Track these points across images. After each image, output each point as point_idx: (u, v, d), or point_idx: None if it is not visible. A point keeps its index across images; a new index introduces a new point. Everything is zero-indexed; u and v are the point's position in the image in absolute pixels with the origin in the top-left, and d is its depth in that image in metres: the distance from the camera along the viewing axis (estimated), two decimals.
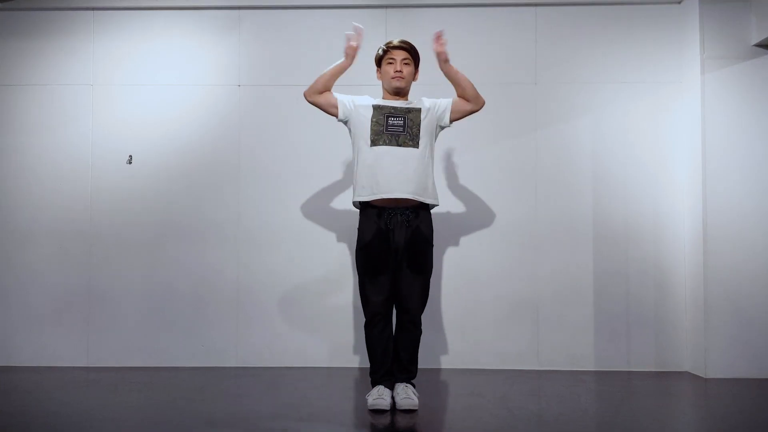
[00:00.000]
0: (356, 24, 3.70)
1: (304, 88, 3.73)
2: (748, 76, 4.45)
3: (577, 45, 4.75)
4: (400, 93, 3.67)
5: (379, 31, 4.72)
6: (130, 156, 4.79)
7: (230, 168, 4.78)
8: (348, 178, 4.67)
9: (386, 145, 3.55)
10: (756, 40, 4.41)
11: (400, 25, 4.73)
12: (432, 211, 3.69)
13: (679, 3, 4.70)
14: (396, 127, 3.56)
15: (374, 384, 3.61)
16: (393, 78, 3.63)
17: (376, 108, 3.62)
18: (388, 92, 3.69)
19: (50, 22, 4.85)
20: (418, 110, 3.62)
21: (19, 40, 4.85)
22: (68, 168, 4.79)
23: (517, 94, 4.74)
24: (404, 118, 3.58)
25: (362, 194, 3.58)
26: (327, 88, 3.69)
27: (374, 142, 3.56)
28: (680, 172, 4.67)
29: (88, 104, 4.82)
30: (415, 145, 3.56)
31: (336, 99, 3.69)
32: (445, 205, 4.55)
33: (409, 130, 3.57)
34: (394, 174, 3.52)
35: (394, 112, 3.60)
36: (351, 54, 3.68)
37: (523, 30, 4.77)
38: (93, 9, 4.84)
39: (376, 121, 3.58)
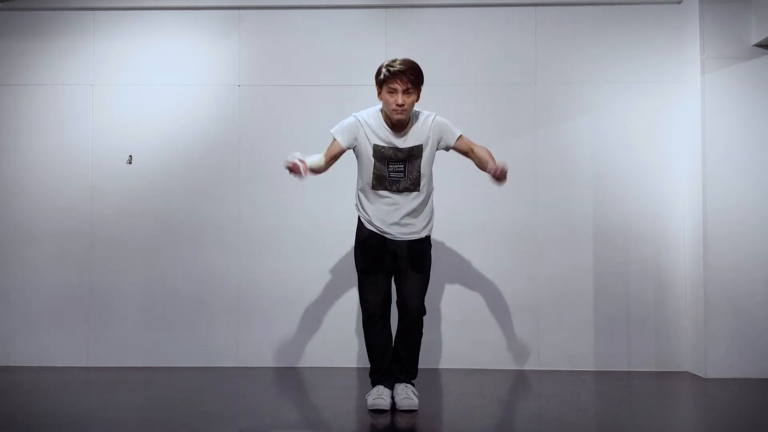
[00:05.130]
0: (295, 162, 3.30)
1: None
2: (748, 76, 4.45)
3: (577, 45, 4.74)
4: (401, 123, 3.51)
5: (379, 31, 4.72)
6: (130, 156, 4.79)
7: (230, 168, 4.78)
8: (349, 178, 4.66)
9: (387, 191, 3.50)
10: (756, 40, 4.40)
11: (400, 25, 4.73)
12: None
13: (679, 3, 4.70)
14: (397, 173, 3.49)
15: (374, 384, 3.61)
16: (394, 110, 3.44)
17: (377, 151, 3.49)
18: (389, 116, 3.50)
19: (50, 22, 4.84)
20: (420, 148, 3.51)
21: (19, 40, 4.84)
22: (68, 168, 4.79)
23: (516, 94, 4.74)
24: (405, 163, 3.49)
25: (362, 221, 3.60)
26: (327, 164, 3.53)
27: (375, 187, 3.52)
28: (680, 172, 4.67)
29: (88, 104, 4.82)
30: (416, 188, 3.52)
31: (339, 147, 3.53)
32: (445, 205, 4.54)
33: (409, 174, 3.50)
34: (393, 220, 3.50)
35: (394, 157, 3.49)
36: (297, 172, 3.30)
37: (523, 30, 4.76)
38: (93, 9, 4.84)
39: (378, 166, 3.49)
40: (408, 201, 3.51)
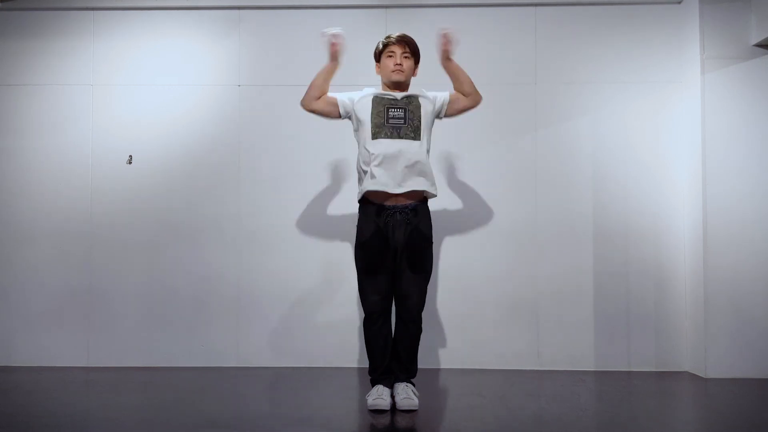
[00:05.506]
0: (333, 31, 3.68)
1: (305, 88, 3.72)
2: (748, 76, 4.45)
3: (577, 45, 4.75)
4: (400, 87, 3.64)
5: (379, 31, 4.71)
6: (130, 156, 4.79)
7: (230, 168, 4.78)
8: (349, 178, 4.67)
9: (387, 138, 3.53)
10: (756, 40, 4.41)
11: (400, 25, 4.72)
12: (432, 210, 3.68)
13: (679, 3, 4.70)
14: (397, 119, 3.55)
15: (373, 383, 3.61)
16: (393, 71, 3.61)
17: (376, 100, 3.61)
18: (388, 86, 3.67)
19: (50, 22, 4.85)
20: (417, 100, 3.62)
21: (19, 40, 4.85)
22: (68, 168, 4.79)
23: (516, 94, 4.74)
24: (405, 109, 3.57)
25: (363, 187, 3.58)
26: (323, 93, 3.69)
27: (375, 135, 3.55)
28: (680, 172, 4.67)
29: (88, 104, 4.82)
30: (417, 137, 3.55)
31: (334, 98, 3.69)
32: (445, 204, 4.55)
33: (410, 122, 3.56)
34: (395, 169, 3.50)
35: (394, 102, 3.59)
36: (335, 54, 3.68)
37: (523, 30, 4.77)
38: (93, 9, 4.84)
39: (377, 113, 3.57)
40: (408, 149, 3.52)
